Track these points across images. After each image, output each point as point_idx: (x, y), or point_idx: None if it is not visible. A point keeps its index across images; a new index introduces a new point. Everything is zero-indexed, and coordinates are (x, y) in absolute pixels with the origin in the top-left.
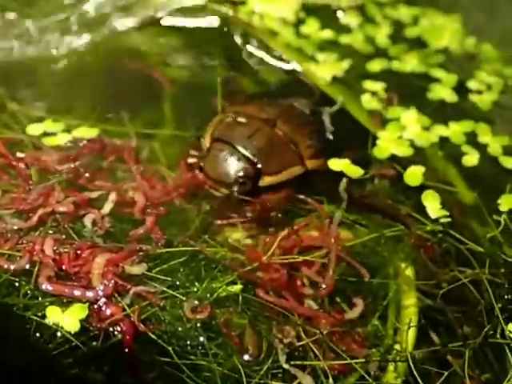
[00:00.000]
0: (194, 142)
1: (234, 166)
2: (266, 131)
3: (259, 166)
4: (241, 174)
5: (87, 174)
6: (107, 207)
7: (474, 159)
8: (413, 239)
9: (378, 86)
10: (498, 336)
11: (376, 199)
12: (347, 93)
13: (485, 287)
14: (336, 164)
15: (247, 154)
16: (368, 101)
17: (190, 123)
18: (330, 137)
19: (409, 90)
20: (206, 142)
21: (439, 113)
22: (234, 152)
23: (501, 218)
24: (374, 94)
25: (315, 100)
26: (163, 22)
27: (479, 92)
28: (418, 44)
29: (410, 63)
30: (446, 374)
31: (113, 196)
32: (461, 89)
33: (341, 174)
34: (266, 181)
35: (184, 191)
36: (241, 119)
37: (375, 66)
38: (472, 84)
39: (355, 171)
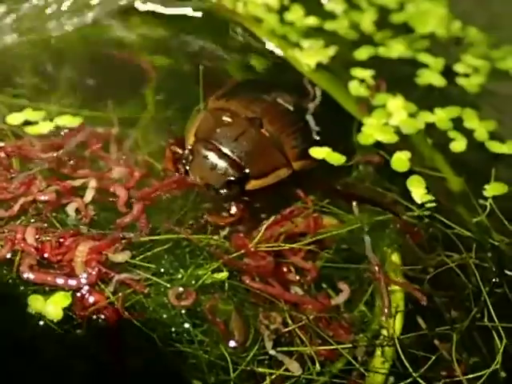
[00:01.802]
0: (177, 132)
1: (220, 170)
2: (253, 133)
3: (246, 169)
4: (228, 177)
5: (71, 163)
6: (89, 195)
7: (461, 145)
8: (399, 225)
9: (366, 73)
10: (486, 320)
11: (361, 189)
12: (332, 80)
13: (472, 271)
14: (318, 152)
15: (234, 157)
16: (355, 87)
17: (173, 111)
18: (316, 135)
19: (396, 76)
20: (190, 140)
21: (427, 98)
22: (221, 155)
23: (487, 202)
24: (362, 81)
25: (309, 98)
26: (147, 10)
27: (466, 75)
28: (404, 30)
29: (397, 49)
30: (433, 358)
31: (93, 183)
32: (448, 73)
33: (327, 171)
34: (252, 184)
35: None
36: (226, 118)
37: (361, 52)
38: (459, 67)
39: (337, 159)
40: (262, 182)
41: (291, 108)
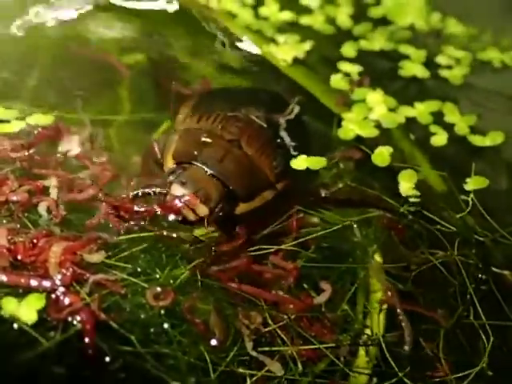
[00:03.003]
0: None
1: (208, 191)
2: (236, 154)
3: (235, 193)
4: (217, 199)
5: (41, 162)
6: (53, 193)
7: (442, 139)
8: (384, 222)
9: (353, 69)
10: (471, 317)
11: (349, 193)
12: (310, 74)
13: (456, 268)
14: (298, 164)
15: (222, 178)
16: (337, 80)
17: (147, 110)
18: (293, 148)
19: (378, 69)
20: (169, 163)
21: (409, 90)
22: (208, 178)
23: (468, 198)
24: (347, 75)
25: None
26: (119, 6)
27: (449, 67)
28: (383, 23)
29: (378, 41)
30: (418, 357)
31: (54, 181)
32: (430, 65)
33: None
34: (241, 208)
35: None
36: (204, 139)
37: (347, 48)
38: (441, 59)
39: (318, 162)
40: (250, 206)
41: (264, 124)
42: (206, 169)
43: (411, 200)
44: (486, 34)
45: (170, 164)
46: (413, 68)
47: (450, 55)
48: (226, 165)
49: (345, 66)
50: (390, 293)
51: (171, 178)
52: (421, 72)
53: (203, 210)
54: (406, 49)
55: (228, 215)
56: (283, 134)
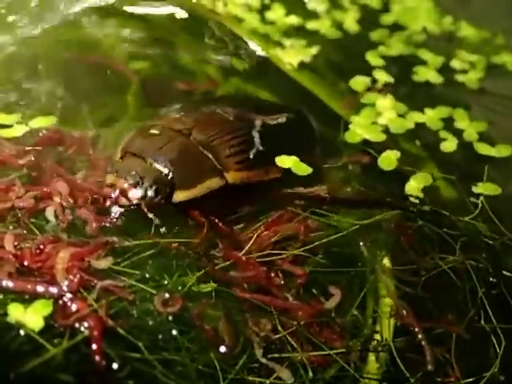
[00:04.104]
0: None
1: (143, 180)
2: (179, 141)
3: (172, 179)
4: (151, 188)
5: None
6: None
7: (451, 145)
8: (393, 225)
9: (383, 77)
10: (482, 322)
11: (365, 194)
12: (315, 78)
13: (467, 272)
14: (284, 161)
15: (158, 166)
16: (358, 81)
17: (152, 114)
18: (262, 147)
19: (392, 74)
20: (117, 156)
21: (424, 94)
22: (144, 165)
23: (478, 200)
24: (374, 81)
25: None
26: (125, 11)
27: (464, 71)
28: (395, 28)
29: (396, 47)
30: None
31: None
32: (445, 69)
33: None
34: (179, 196)
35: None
36: (153, 131)
37: (373, 57)
38: (456, 63)
39: (303, 169)
40: (190, 194)
41: (230, 118)
42: (145, 158)
43: (412, 200)
44: (498, 36)
45: (117, 157)
46: (427, 73)
47: (464, 59)
48: (163, 152)
49: (378, 74)
50: (405, 312)
51: (108, 169)
52: (435, 77)
53: (135, 193)
54: (422, 54)
55: (165, 203)
56: (255, 133)
